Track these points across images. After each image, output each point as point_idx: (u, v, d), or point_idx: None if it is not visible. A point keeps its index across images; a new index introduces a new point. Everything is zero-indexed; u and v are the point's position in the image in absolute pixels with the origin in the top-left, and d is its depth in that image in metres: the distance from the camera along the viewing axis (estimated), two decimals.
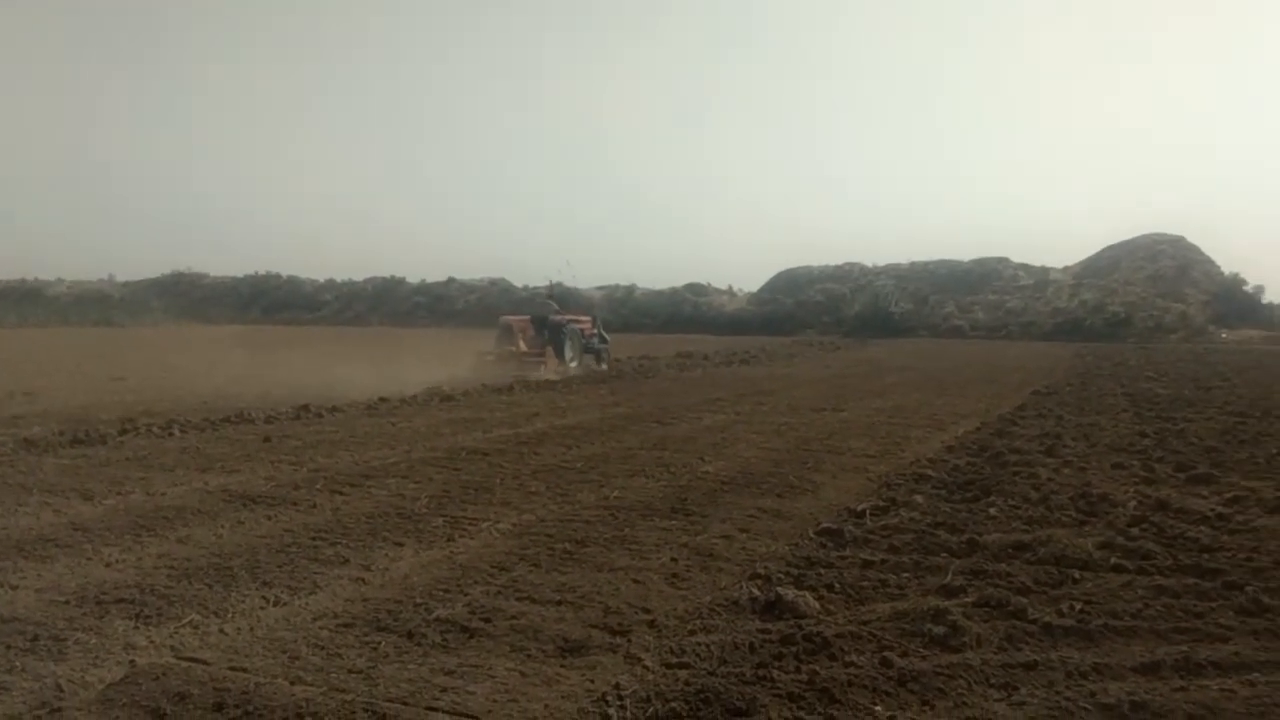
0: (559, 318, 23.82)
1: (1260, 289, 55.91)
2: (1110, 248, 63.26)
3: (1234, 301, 54.62)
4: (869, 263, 67.14)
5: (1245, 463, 9.62)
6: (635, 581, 5.41)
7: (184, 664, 4.04)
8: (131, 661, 4.07)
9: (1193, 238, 60.87)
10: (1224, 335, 48.77)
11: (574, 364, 23.10)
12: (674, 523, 6.95)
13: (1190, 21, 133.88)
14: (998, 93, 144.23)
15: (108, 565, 5.61)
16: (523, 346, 22.50)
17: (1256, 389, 19.38)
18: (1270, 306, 55.86)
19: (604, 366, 24.55)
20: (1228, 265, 58.26)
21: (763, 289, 67.22)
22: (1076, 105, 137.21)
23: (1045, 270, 62.76)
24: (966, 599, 4.98)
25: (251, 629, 4.54)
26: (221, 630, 4.51)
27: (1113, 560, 5.75)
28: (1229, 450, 10.47)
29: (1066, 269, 62.97)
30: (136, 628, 4.50)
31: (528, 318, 23.82)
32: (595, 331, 25.13)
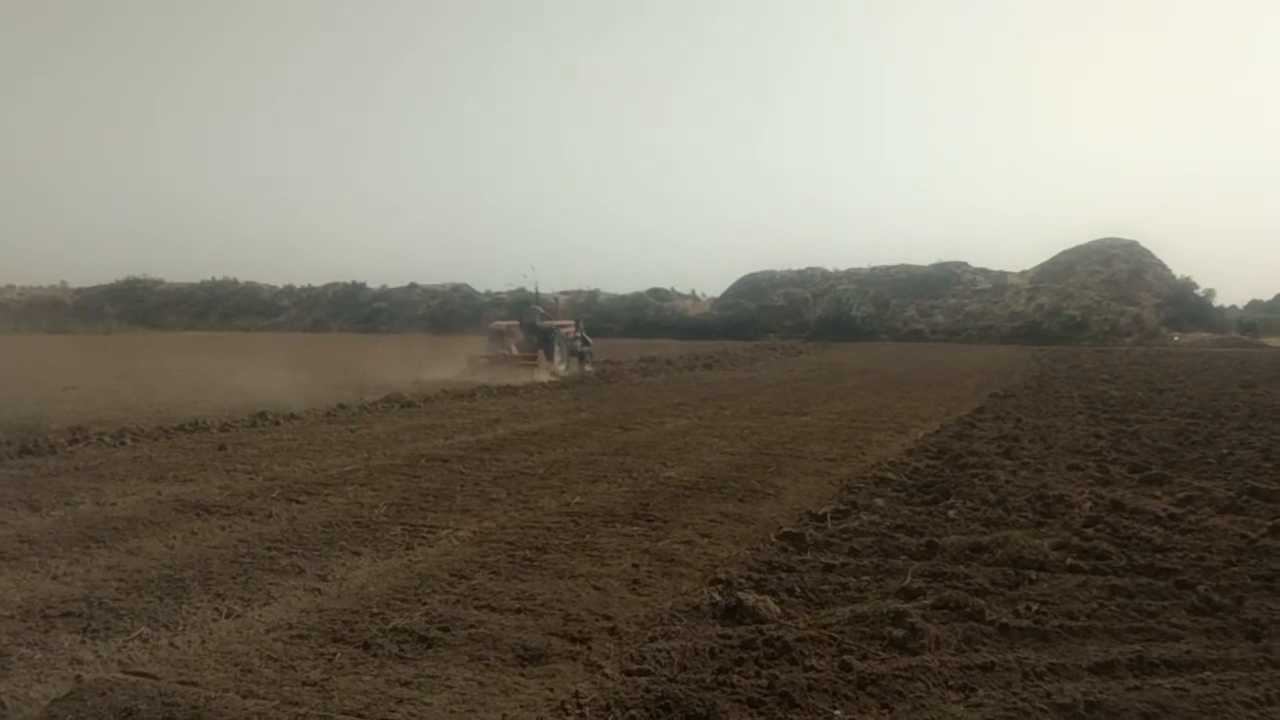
0: (547, 323, 24.88)
1: (1211, 292, 57.40)
2: (1066, 252, 64.32)
3: (1186, 305, 55.82)
4: (831, 267, 67.73)
5: (1197, 463, 9.80)
6: (596, 588, 5.37)
7: (132, 679, 3.94)
8: (78, 677, 3.96)
9: (1145, 242, 62.13)
10: (1176, 338, 49.78)
11: (562, 366, 24.17)
12: (635, 528, 6.92)
13: (1145, 28, 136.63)
14: (956, 99, 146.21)
15: (54, 578, 5.47)
16: (514, 350, 23.64)
17: (1207, 390, 19.78)
18: (1220, 310, 57.28)
19: (589, 368, 25.59)
20: (1179, 269, 59.59)
21: (726, 293, 67.48)
22: (1034, 110, 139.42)
23: (1003, 274, 63.66)
24: (925, 601, 5.01)
25: (203, 642, 4.44)
26: (172, 644, 4.41)
27: (1068, 561, 5.82)
28: (1181, 451, 10.67)
29: (1024, 273, 63.91)
30: (84, 642, 4.39)
31: (517, 323, 24.95)
32: (579, 335, 26.32)
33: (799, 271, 67.60)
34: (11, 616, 4.74)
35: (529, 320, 24.90)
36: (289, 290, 75.36)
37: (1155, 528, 6.72)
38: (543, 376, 22.19)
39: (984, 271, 64.04)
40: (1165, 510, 7.29)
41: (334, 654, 4.27)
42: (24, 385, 19.41)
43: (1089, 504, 7.53)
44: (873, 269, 66.06)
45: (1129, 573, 5.62)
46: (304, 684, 3.91)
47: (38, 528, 6.74)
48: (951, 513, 7.32)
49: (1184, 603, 5.00)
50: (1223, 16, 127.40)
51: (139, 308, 71.01)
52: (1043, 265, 64.31)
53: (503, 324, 25.32)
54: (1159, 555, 5.97)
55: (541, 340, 24.09)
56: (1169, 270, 59.69)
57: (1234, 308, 62.50)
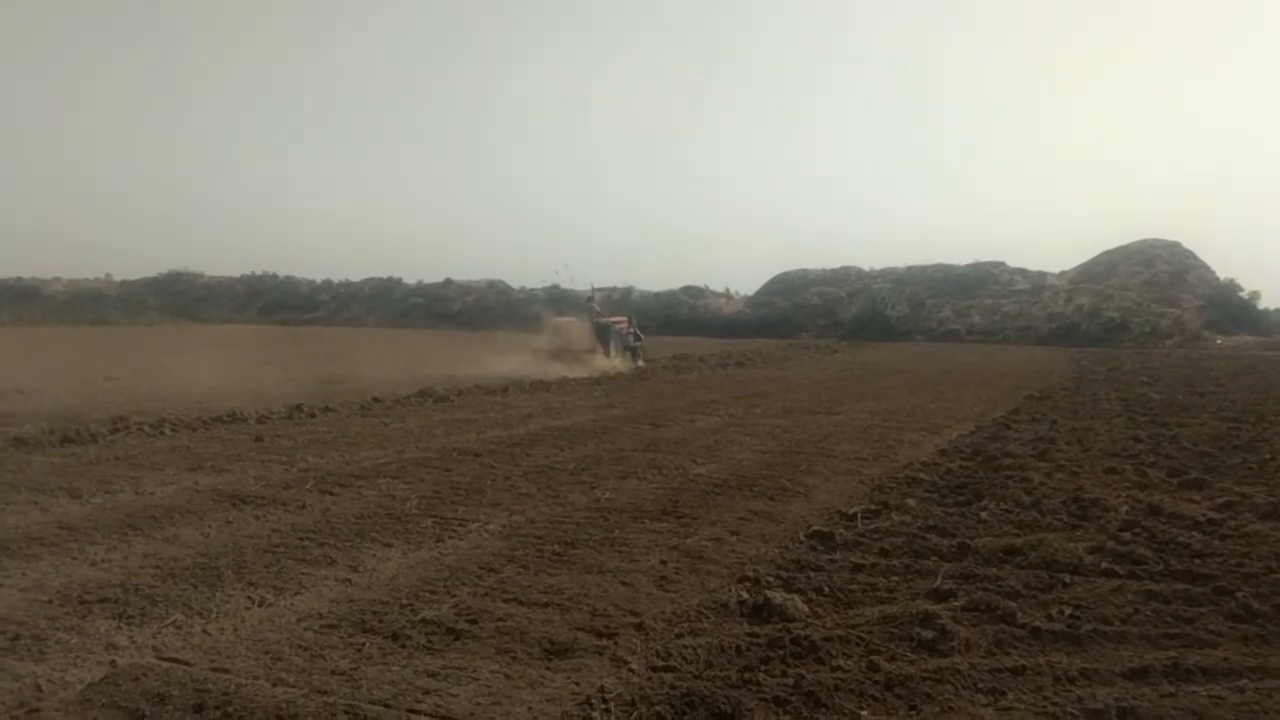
0: (603, 319, 26.96)
1: (1256, 295, 56.03)
2: (1107, 253, 63.31)
3: (1229, 307, 54.68)
4: (866, 266, 67.21)
5: (1238, 468, 9.61)
6: (624, 584, 5.38)
7: (165, 665, 4.00)
8: (112, 662, 4.03)
9: (1188, 243, 60.99)
10: (1219, 341, 48.81)
11: (617, 360, 25.74)
12: (664, 525, 6.92)
13: (1189, 27, 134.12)
14: (996, 97, 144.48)
15: (93, 564, 5.58)
16: (573, 344, 25.39)
17: (1250, 394, 19.39)
18: (1265, 312, 55.99)
19: (641, 363, 27.02)
20: (1223, 271, 58.41)
21: (759, 292, 67.21)
22: (1075, 110, 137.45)
23: (1042, 275, 62.80)
24: (956, 603, 4.96)
25: (235, 630, 4.50)
26: (205, 631, 4.48)
27: (1103, 565, 5.73)
28: (1222, 455, 10.46)
29: (1063, 274, 63.00)
30: (119, 628, 4.47)
31: (574, 319, 27.23)
32: (632, 331, 28.10)
33: (833, 270, 67.16)
34: (50, 601, 4.84)
35: (585, 317, 26.91)
36: (327, 285, 76.17)
37: (1193, 533, 6.60)
38: (602, 367, 24.05)
39: (1022, 272, 63.22)
40: (1204, 515, 7.16)
41: (363, 644, 4.31)
42: (68, 376, 19.81)
43: (1125, 508, 7.41)
44: (908, 268, 65.47)
45: (1165, 578, 5.52)
46: (333, 673, 3.95)
47: (78, 515, 6.87)
48: (984, 514, 7.24)
49: (1222, 609, 4.91)
50: (1274, 8, 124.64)
51: (180, 300, 72.09)
52: (1083, 266, 63.36)
53: (561, 320, 27.43)
54: (1197, 561, 5.86)
55: (598, 336, 25.82)
56: (1212, 272, 58.55)
57: None
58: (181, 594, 5.01)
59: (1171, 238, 61.51)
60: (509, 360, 23.78)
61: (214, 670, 3.94)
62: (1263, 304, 56.42)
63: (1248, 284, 56.52)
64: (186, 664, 4.02)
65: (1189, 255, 60.06)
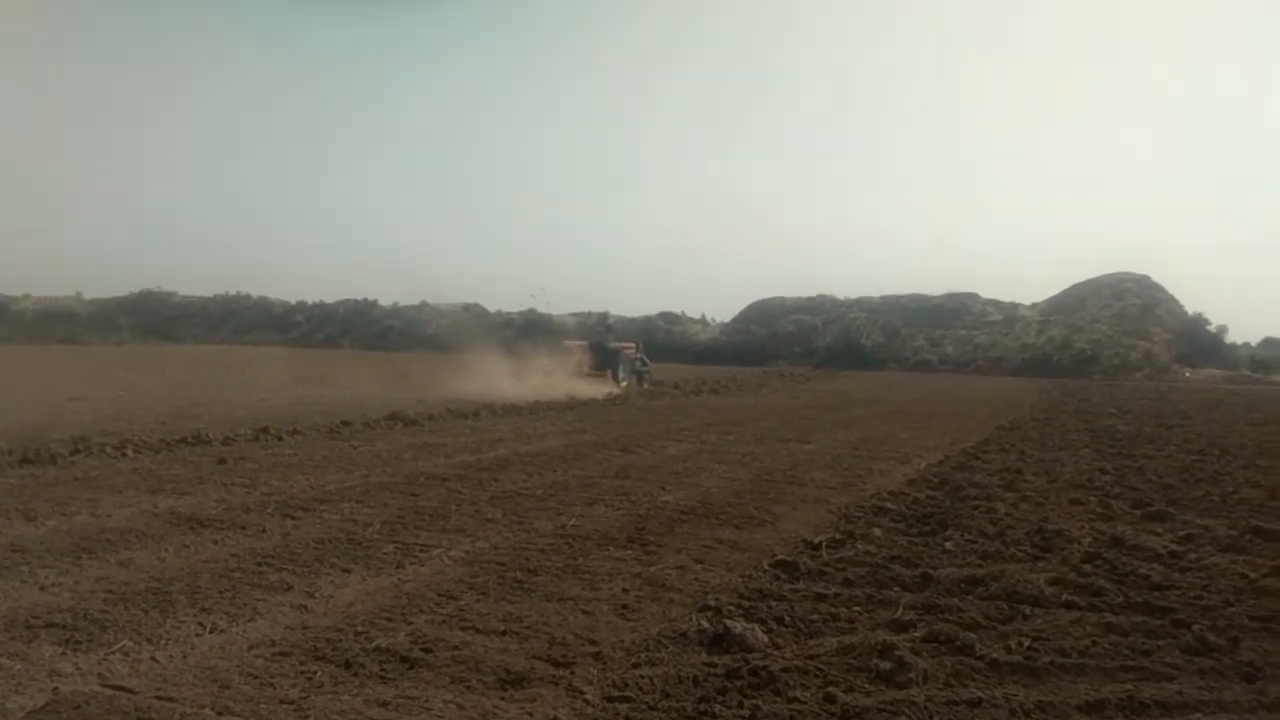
0: (613, 345, 29.42)
1: (1223, 329, 56.93)
2: (1077, 285, 64.15)
3: (1198, 340, 55.48)
4: (841, 295, 67.67)
5: (1201, 500, 9.70)
6: (584, 612, 5.33)
7: (109, 692, 3.91)
8: (55, 689, 3.94)
9: (1158, 277, 61.90)
10: (1187, 374, 49.47)
11: (624, 383, 27.83)
12: (629, 552, 6.88)
13: (1163, 54, 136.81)
14: (969, 129, 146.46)
15: (42, 588, 5.46)
16: (584, 368, 27.56)
17: (1216, 428, 19.62)
18: (1233, 346, 56.87)
19: (646, 385, 28.80)
20: (1192, 305, 59.29)
21: (736, 319, 67.50)
22: (1045, 143, 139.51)
23: (1014, 306, 63.50)
24: (916, 634, 4.95)
25: (184, 657, 4.41)
26: (153, 658, 4.38)
27: (1064, 597, 5.75)
28: (1185, 488, 10.56)
29: (1035, 305, 63.73)
30: (65, 654, 4.37)
31: (585, 343, 29.65)
32: (639, 356, 30.38)
33: (809, 299, 67.57)
34: None
35: (597, 342, 29.46)
36: (301, 306, 75.68)
37: (1154, 565, 6.64)
38: (609, 389, 25.85)
39: (995, 303, 63.90)
40: (1165, 547, 7.20)
41: (315, 672, 4.24)
42: (32, 395, 19.53)
43: (1088, 539, 7.45)
44: (883, 297, 66.00)
45: (1125, 610, 5.54)
46: (281, 702, 3.88)
47: (31, 537, 6.74)
48: (949, 544, 7.25)
49: (1179, 642, 4.92)
50: (1245, 42, 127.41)
51: (153, 320, 71.36)
52: (1054, 298, 64.14)
53: (574, 344, 29.81)
54: (1156, 593, 5.89)
55: (607, 360, 28.22)
56: (1181, 306, 59.42)
57: (1247, 344, 62.00)
58: (131, 619, 4.92)
59: (1141, 271, 62.46)
60: (515, 384, 24.69)
61: (159, 699, 3.86)
62: (1230, 338, 57.37)
63: (1215, 318, 57.46)
64: (131, 692, 3.93)
65: (1158, 289, 60.96)
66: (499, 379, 25.13)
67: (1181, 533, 7.84)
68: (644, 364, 30.47)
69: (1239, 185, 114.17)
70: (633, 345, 31.23)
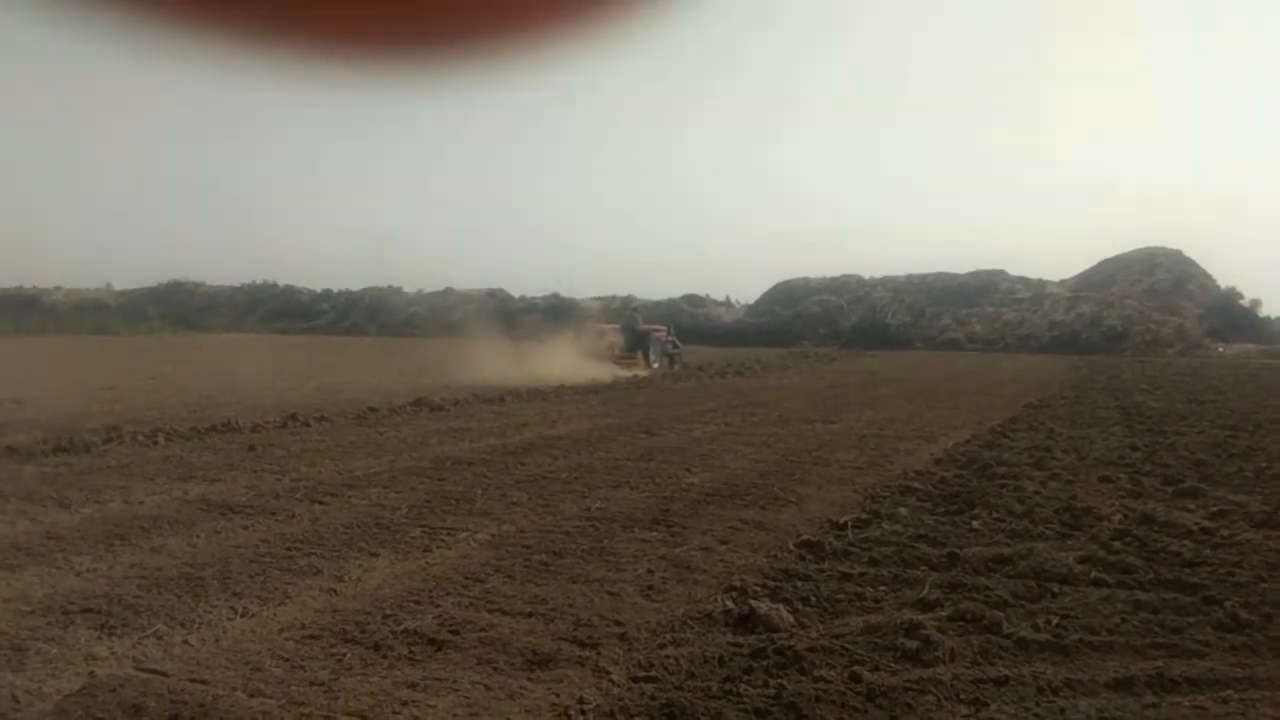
0: (644, 327, 30.32)
1: (1257, 303, 55.94)
2: (1107, 261, 63.31)
3: (1230, 315, 54.62)
4: (866, 275, 67.19)
5: (1233, 477, 9.58)
6: (609, 593, 5.35)
7: (143, 676, 3.98)
8: (91, 673, 4.01)
9: (1189, 251, 60.96)
10: (1220, 349, 48.77)
11: (656, 365, 28.60)
12: (654, 534, 6.90)
13: (1191, 33, 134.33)
14: (996, 105, 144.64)
15: (78, 574, 5.56)
16: (616, 350, 28.29)
17: (1249, 403, 19.34)
18: (1267, 320, 55.90)
19: (676, 367, 29.40)
20: (1224, 279, 58.33)
21: (760, 300, 67.25)
22: (1075, 117, 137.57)
23: (1042, 283, 62.76)
24: (942, 613, 4.93)
25: (216, 640, 4.48)
26: (186, 641, 4.45)
27: (1093, 574, 5.70)
28: (1218, 464, 10.43)
29: (1063, 282, 62.98)
30: (100, 638, 4.44)
31: (618, 326, 30.46)
32: (670, 339, 31.17)
33: (834, 279, 67.16)
34: (33, 612, 4.82)
35: (629, 325, 30.35)
36: (327, 294, 76.24)
37: (1185, 542, 6.57)
38: (639, 372, 26.43)
39: (1023, 280, 63.18)
40: (1197, 524, 7.12)
41: (344, 654, 4.29)
42: (64, 385, 19.82)
43: (1118, 516, 7.38)
44: (909, 276, 65.44)
45: (1155, 587, 5.49)
46: (311, 684, 3.93)
47: (66, 525, 6.85)
48: (976, 523, 7.21)
49: (1210, 619, 4.88)
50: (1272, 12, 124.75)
51: (181, 310, 72.14)
52: (1083, 274, 63.35)
53: (605, 327, 30.78)
54: (1187, 570, 5.83)
55: (639, 342, 28.88)
56: (1213, 280, 58.48)
57: None
58: (165, 604, 4.99)
59: (1173, 246, 61.54)
60: (547, 366, 24.96)
61: (192, 681, 3.92)
62: (1264, 312, 56.38)
63: (1249, 292, 56.51)
64: (165, 675, 4.00)
65: (1190, 263, 60.02)
66: (521, 363, 25.22)
67: (1213, 509, 7.75)
68: (675, 346, 31.11)
69: (1274, 156, 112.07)
70: (664, 328, 31.94)
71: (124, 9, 0.65)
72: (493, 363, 24.89)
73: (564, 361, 25.86)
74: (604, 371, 25.11)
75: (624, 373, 25.70)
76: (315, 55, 0.70)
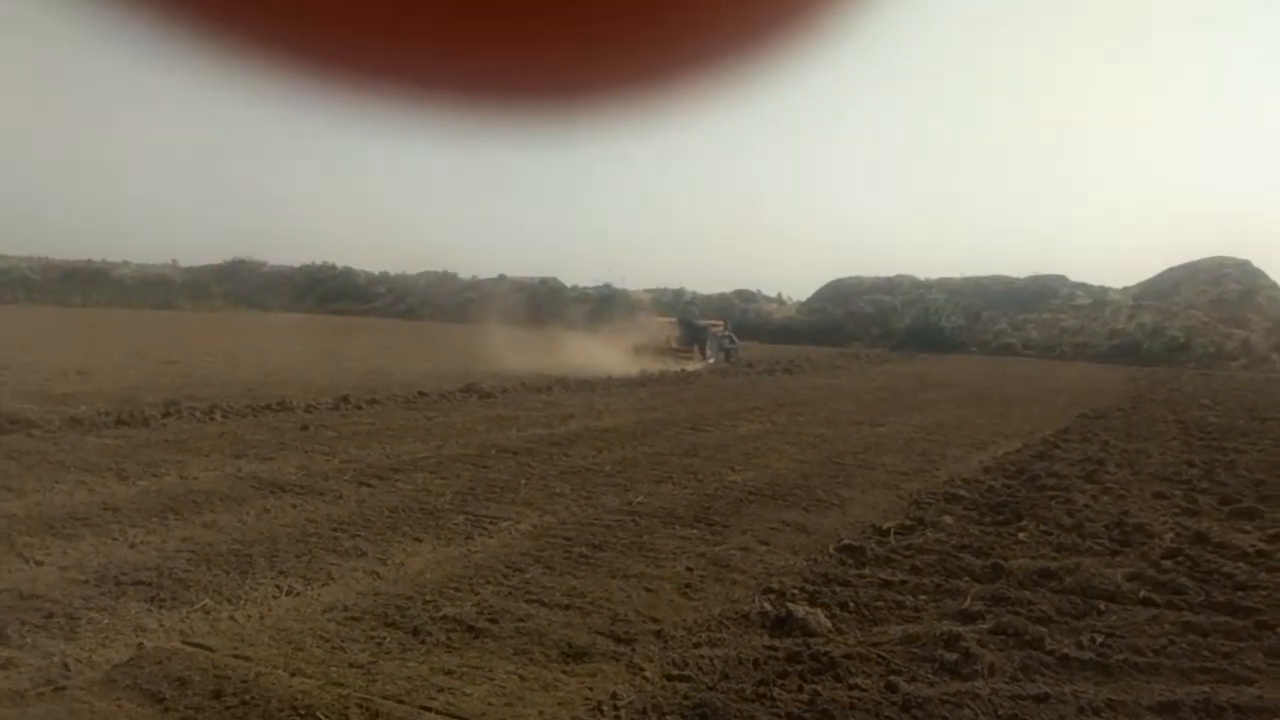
0: (701, 322, 30.68)
1: None
2: (1172, 269, 61.64)
3: None
4: (921, 275, 66.27)
5: None
6: (647, 589, 5.37)
7: (189, 649, 4.09)
8: (140, 644, 4.13)
9: (1259, 262, 59.12)
10: None
11: (712, 360, 28.75)
12: (694, 531, 6.90)
13: (1268, 36, 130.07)
14: (1061, 109, 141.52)
15: (132, 546, 5.72)
16: (674, 344, 28.48)
17: None
18: None
19: (732, 361, 29.90)
20: None
21: (812, 298, 66.71)
22: (1144, 122, 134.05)
23: (1104, 290, 61.34)
24: (983, 625, 4.86)
25: (261, 617, 4.58)
26: (232, 617, 4.57)
27: (1142, 593, 5.58)
28: (1278, 485, 10.12)
29: (1126, 290, 61.49)
30: (150, 610, 4.57)
31: (675, 320, 30.80)
32: (728, 334, 31.47)
33: (888, 279, 66.35)
34: (87, 581, 4.97)
35: (686, 319, 30.68)
36: (384, 277, 77.30)
37: (1240, 564, 6.39)
38: (694, 366, 26.55)
39: (1083, 286, 61.79)
40: (1253, 546, 6.92)
41: (384, 638, 4.36)
42: (128, 358, 20.38)
43: (1171, 535, 7.20)
44: (965, 279, 64.39)
45: (1205, 609, 5.35)
46: (351, 665, 4.01)
47: (123, 497, 7.06)
48: (1022, 535, 7.09)
49: (1262, 645, 4.74)
50: None
51: (243, 288, 73.63)
52: (1147, 282, 61.77)
53: (663, 320, 31.04)
54: (1240, 593, 5.67)
55: (695, 337, 29.04)
56: None
57: None
58: (213, 580, 5.12)
59: (1242, 256, 59.76)
60: (610, 357, 25.57)
61: (235, 657, 4.02)
62: None
63: None
64: (210, 649, 4.10)
65: (1259, 275, 58.18)
66: (572, 352, 25.39)
67: (1271, 531, 7.52)
68: (732, 342, 31.36)
69: None
70: (720, 323, 32.19)
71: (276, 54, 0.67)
72: (537, 351, 25.07)
73: (612, 353, 26.03)
74: (636, 363, 25.20)
75: (686, 366, 26.01)
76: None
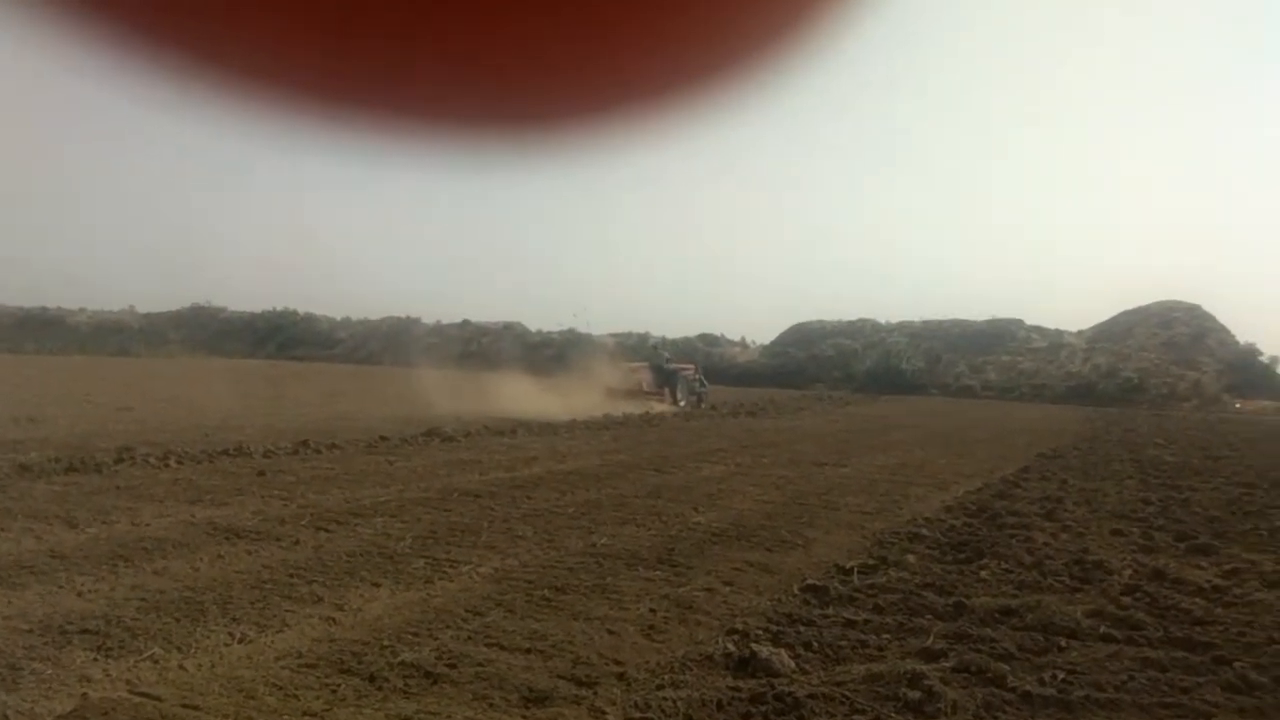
0: (672, 365, 30.93)
1: (1276, 360, 55.47)
2: (1125, 313, 63.00)
3: (1249, 371, 54.11)
4: (882, 319, 67.11)
5: (1248, 534, 9.44)
6: (610, 632, 5.31)
7: (136, 699, 3.97)
8: (84, 694, 4.00)
9: (1208, 306, 60.64)
10: (1238, 405, 48.30)
11: (683, 402, 29.29)
12: (658, 573, 6.85)
13: (1218, 84, 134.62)
14: (1012, 156, 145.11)
15: (79, 594, 5.56)
16: (645, 387, 28.93)
17: (1266, 460, 19.10)
18: None
19: (703, 405, 30.23)
20: (1243, 335, 57.94)
21: (775, 341, 67.19)
22: (1095, 169, 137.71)
23: (1059, 333, 62.48)
24: (946, 663, 4.86)
25: (212, 666, 4.46)
26: (181, 666, 4.44)
27: (1101, 629, 5.62)
28: (1232, 521, 10.28)
29: (1080, 333, 62.68)
30: (95, 660, 4.44)
31: (646, 364, 30.96)
32: (698, 377, 31.86)
33: (849, 322, 67.10)
34: (31, 630, 4.82)
35: (656, 363, 30.85)
36: (346, 323, 76.73)
37: (1197, 599, 6.46)
38: (665, 408, 27.43)
39: (1039, 329, 62.93)
40: (1209, 582, 7.01)
41: (339, 685, 4.26)
42: (82, 405, 19.97)
43: (1129, 571, 7.27)
44: (925, 323, 65.31)
45: (1164, 645, 5.40)
46: (304, 714, 3.91)
47: (71, 544, 6.87)
48: (984, 573, 7.12)
49: (1219, 679, 4.78)
50: None
51: (202, 334, 72.65)
52: (1100, 325, 63.04)
53: (635, 364, 31.47)
54: (1198, 628, 5.73)
55: (666, 380, 29.54)
56: (1232, 335, 58.07)
57: None
58: (163, 628, 4.98)
59: (1192, 300, 61.26)
60: (582, 402, 25.68)
61: (184, 707, 3.90)
62: None
63: (1268, 349, 56.08)
64: (158, 699, 3.98)
65: (1208, 318, 59.67)
66: (537, 397, 25.30)
67: (1226, 567, 7.63)
68: (702, 384, 31.86)
69: None
70: (691, 366, 32.90)
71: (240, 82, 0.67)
72: (509, 396, 24.94)
73: (579, 398, 26.09)
74: (604, 406, 25.35)
75: (656, 408, 26.72)
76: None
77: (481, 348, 67.26)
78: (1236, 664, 4.94)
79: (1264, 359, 55.17)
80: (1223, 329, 58.64)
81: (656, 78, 0.74)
